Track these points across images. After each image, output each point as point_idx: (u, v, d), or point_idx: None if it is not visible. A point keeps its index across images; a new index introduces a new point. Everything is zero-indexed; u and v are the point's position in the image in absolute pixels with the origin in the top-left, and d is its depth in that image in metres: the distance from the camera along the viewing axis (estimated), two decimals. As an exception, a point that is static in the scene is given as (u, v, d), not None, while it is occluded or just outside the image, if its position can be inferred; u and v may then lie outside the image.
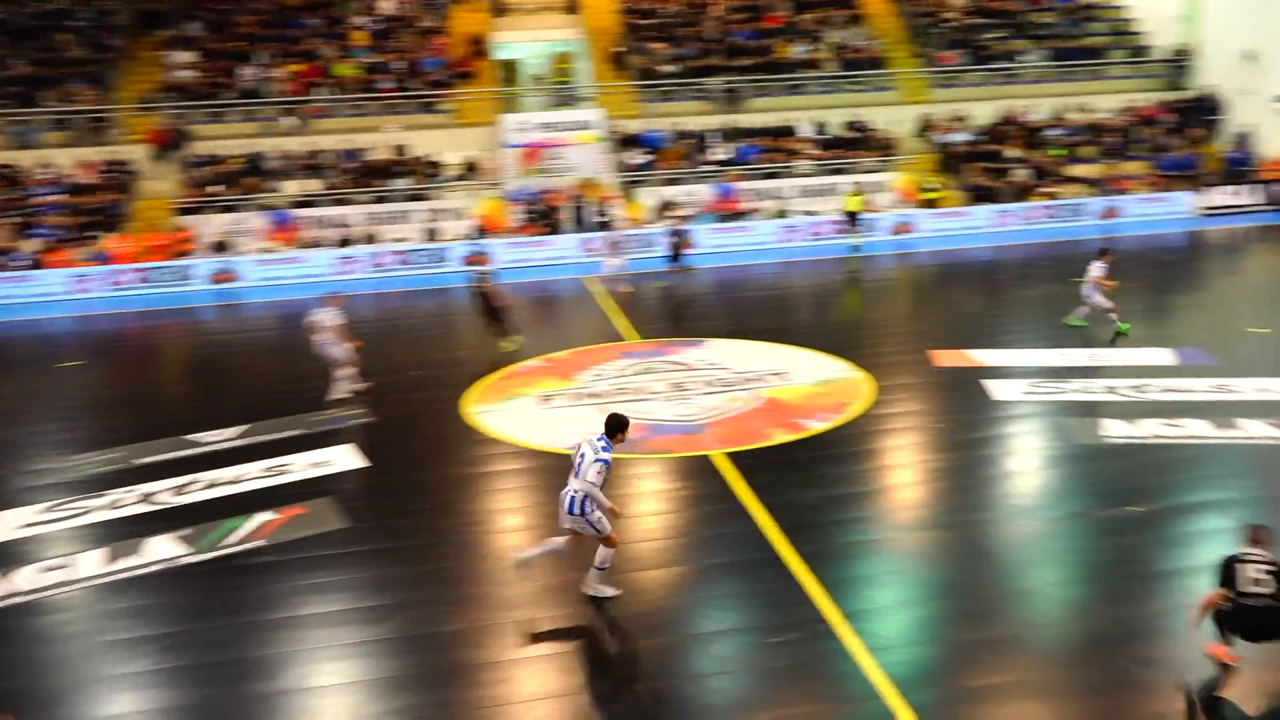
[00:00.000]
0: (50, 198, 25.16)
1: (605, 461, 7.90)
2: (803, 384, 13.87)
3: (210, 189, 25.63)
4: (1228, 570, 6.67)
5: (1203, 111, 30.53)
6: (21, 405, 15.24)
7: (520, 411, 13.34)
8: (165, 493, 10.88)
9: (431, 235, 25.34)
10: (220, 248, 24.52)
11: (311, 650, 7.76)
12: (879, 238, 25.66)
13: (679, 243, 20.94)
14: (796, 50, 30.34)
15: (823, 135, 28.81)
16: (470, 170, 27.14)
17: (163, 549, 9.50)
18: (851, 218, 24.77)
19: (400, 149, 27.12)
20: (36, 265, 23.61)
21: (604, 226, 25.06)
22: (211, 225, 24.89)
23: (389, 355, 16.96)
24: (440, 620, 8.09)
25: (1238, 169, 28.74)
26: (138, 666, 7.64)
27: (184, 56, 28.34)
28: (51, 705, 7.21)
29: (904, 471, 11.11)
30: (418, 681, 7.31)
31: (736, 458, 11.03)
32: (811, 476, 10.55)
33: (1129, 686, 6.85)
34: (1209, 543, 8.79)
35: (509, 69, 33.20)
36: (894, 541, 9.30)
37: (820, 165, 27.92)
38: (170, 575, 9.06)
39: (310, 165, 26.62)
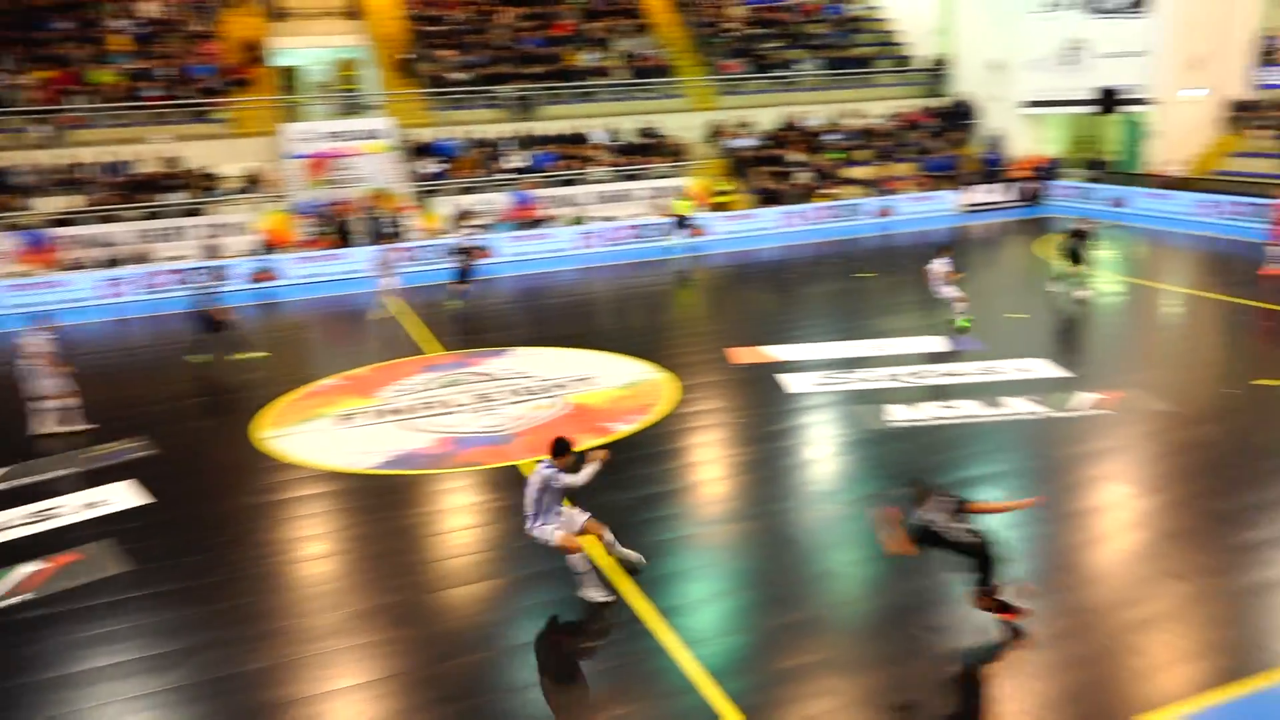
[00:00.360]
0: None
1: (541, 475, 8.11)
2: (608, 388, 14.02)
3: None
4: (930, 534, 7.19)
5: (960, 116, 33.22)
6: None
7: (318, 433, 12.78)
8: (-91, 550, 9.70)
9: (212, 252, 23.87)
10: (-35, 273, 22.21)
11: (96, 707, 7.12)
12: (674, 241, 26.34)
13: (467, 258, 20.23)
14: (586, 58, 30.69)
15: (616, 142, 29.27)
16: (252, 182, 25.77)
17: (-90, 613, 8.47)
18: (681, 221, 25.37)
19: (172, 161, 25.39)
20: None
21: (397, 238, 24.47)
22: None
23: (170, 381, 15.89)
24: (241, 659, 7.62)
25: (992, 169, 31.44)
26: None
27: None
28: None
29: (710, 467, 11.44)
30: (218, 728, 6.86)
31: (546, 465, 11.00)
32: (622, 478, 10.67)
33: (923, 653, 7.32)
34: (984, 513, 9.59)
35: (289, 76, 31.81)
36: (703, 536, 9.55)
37: (615, 171, 28.36)
38: (-78, 642, 8.09)
39: (68, 180, 24.48)
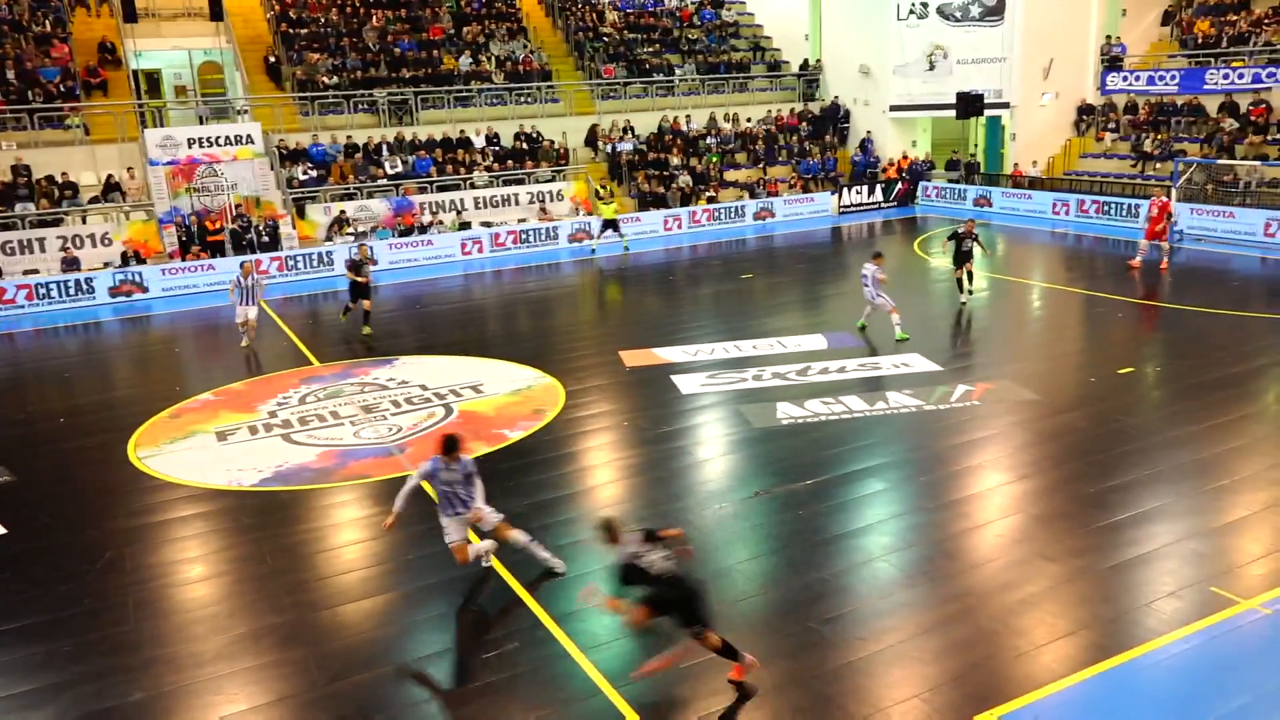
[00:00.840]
0: None
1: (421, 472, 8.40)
2: (497, 395, 13.88)
3: None
4: (636, 573, 6.90)
5: (832, 120, 34.22)
6: None
7: (197, 450, 12.24)
8: None
9: (69, 264, 22.59)
10: None
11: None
12: (562, 245, 26.34)
13: (358, 273, 17.80)
14: (462, 62, 30.34)
15: (496, 147, 29.02)
16: (113, 190, 24.51)
17: None
18: (611, 225, 25.34)
19: (22, 169, 23.89)
20: None
21: (274, 246, 23.68)
22: None
23: (27, 403, 14.98)
24: (119, 692, 7.21)
25: (863, 170, 32.50)
26: None
27: None
28: None
29: (603, 470, 11.44)
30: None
31: (437, 475, 10.81)
32: (515, 485, 10.58)
33: (818, 645, 7.49)
34: (873, 504, 9.92)
35: (149, 80, 30.43)
36: (597, 540, 9.54)
37: (496, 176, 28.11)
38: None
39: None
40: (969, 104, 29.82)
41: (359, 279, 17.80)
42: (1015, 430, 11.89)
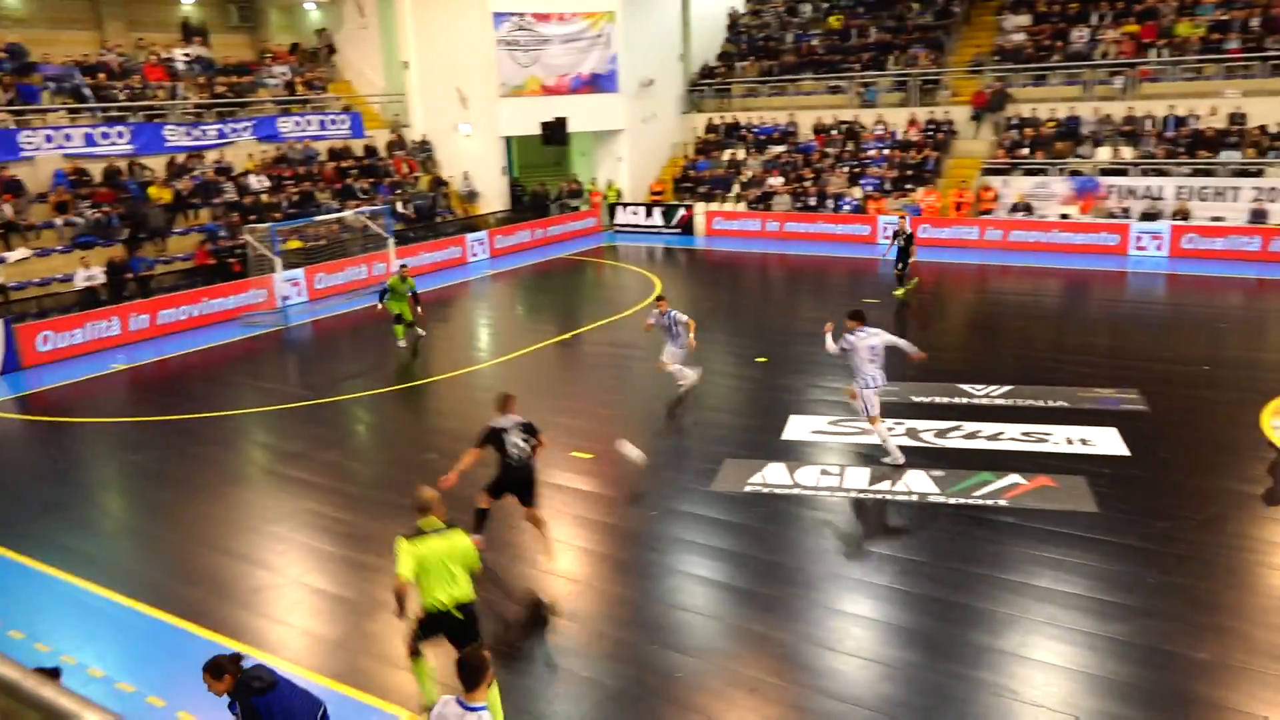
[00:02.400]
0: (879, 152, 28.12)
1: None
2: None
3: (1020, 151, 25.95)
4: (495, 439, 8.39)
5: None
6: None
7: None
8: (929, 433, 11.65)
9: (1257, 217, 22.14)
10: (1019, 209, 24.80)
11: (1034, 621, 7.67)
12: None
13: None
14: None
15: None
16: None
17: (916, 483, 10.25)
18: None
19: (1238, 118, 23.95)
20: (859, 210, 26.74)
21: None
22: (1014, 186, 25.26)
23: (1176, 345, 15.57)
24: (1182, 642, 7.31)
25: None
26: (876, 579, 8.44)
27: (1017, 20, 28.83)
28: (804, 586, 8.41)
29: None
30: (1145, 698, 6.71)
31: None
32: None
33: None
34: None
35: None
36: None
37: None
38: (918, 508, 9.76)
39: (1127, 131, 25.14)
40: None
41: None
42: None
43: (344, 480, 11.31)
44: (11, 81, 22.63)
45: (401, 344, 17.00)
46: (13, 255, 19.73)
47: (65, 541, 9.97)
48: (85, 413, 14.55)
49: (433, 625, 6.46)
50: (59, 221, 20.88)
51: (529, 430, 8.60)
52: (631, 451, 10.59)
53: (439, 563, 6.30)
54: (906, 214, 20.76)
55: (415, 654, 6.61)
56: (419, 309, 17.10)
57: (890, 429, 11.14)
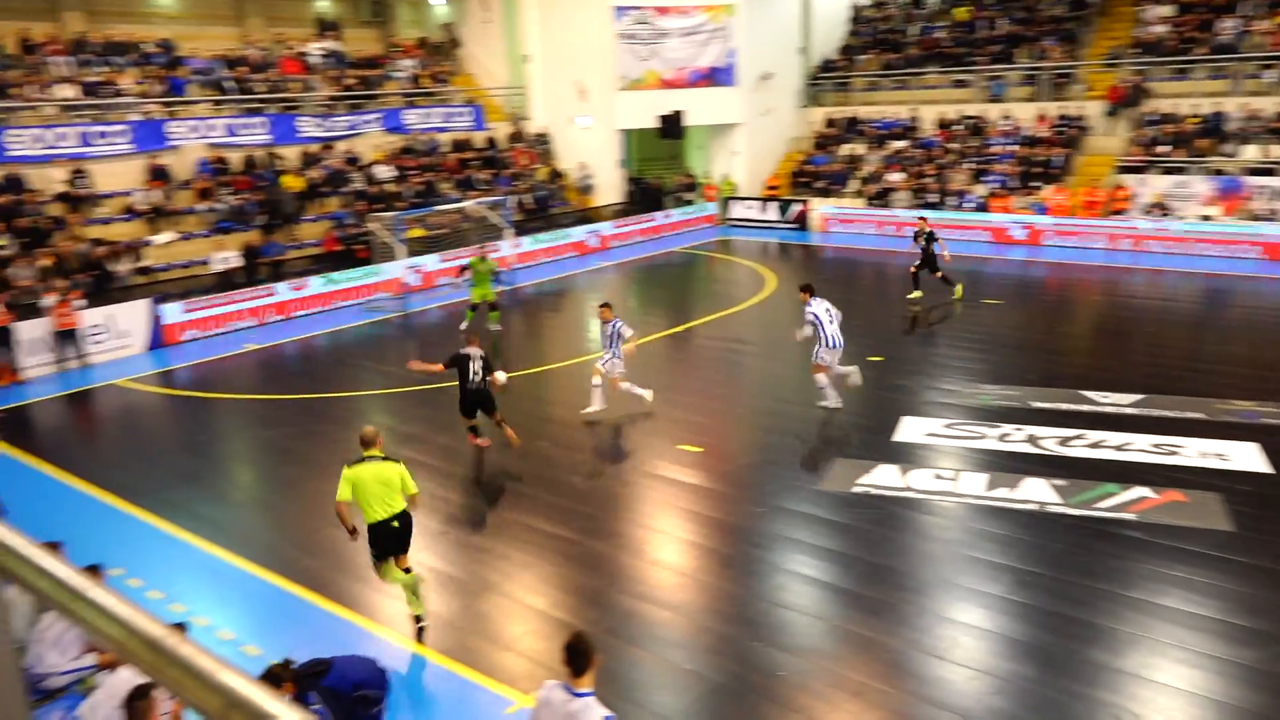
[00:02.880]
0: (1005, 148, 27.20)
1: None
2: None
3: (1158, 148, 24.72)
4: (459, 364, 11.15)
5: None
6: (942, 331, 17.15)
7: None
8: (1051, 440, 11.23)
9: None
10: (1155, 209, 23.63)
11: (1159, 643, 7.33)
12: None
13: None
14: None
15: None
16: None
17: (1037, 491, 9.90)
18: None
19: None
20: (982, 208, 25.94)
21: None
22: (1151, 185, 24.08)
23: (1327, 356, 14.63)
24: (1322, 672, 6.88)
25: None
26: (992, 589, 8.19)
27: (1160, 11, 27.43)
28: (913, 591, 8.23)
29: None
30: (1278, 727, 6.38)
31: None
32: None
33: None
34: None
35: None
36: None
37: None
38: (1038, 518, 9.42)
39: (1277, 129, 23.64)
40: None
41: None
42: None
43: (456, 463, 11.62)
44: (163, 75, 23.97)
45: (464, 326, 16.41)
46: (160, 238, 20.91)
47: (199, 509, 10.53)
48: (219, 389, 15.33)
49: (376, 536, 7.73)
50: (201, 207, 22.03)
51: (487, 365, 11.25)
52: (639, 390, 12.59)
53: (374, 484, 7.62)
54: (925, 217, 19.61)
55: (378, 560, 7.82)
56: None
57: (1005, 435, 10.76)
